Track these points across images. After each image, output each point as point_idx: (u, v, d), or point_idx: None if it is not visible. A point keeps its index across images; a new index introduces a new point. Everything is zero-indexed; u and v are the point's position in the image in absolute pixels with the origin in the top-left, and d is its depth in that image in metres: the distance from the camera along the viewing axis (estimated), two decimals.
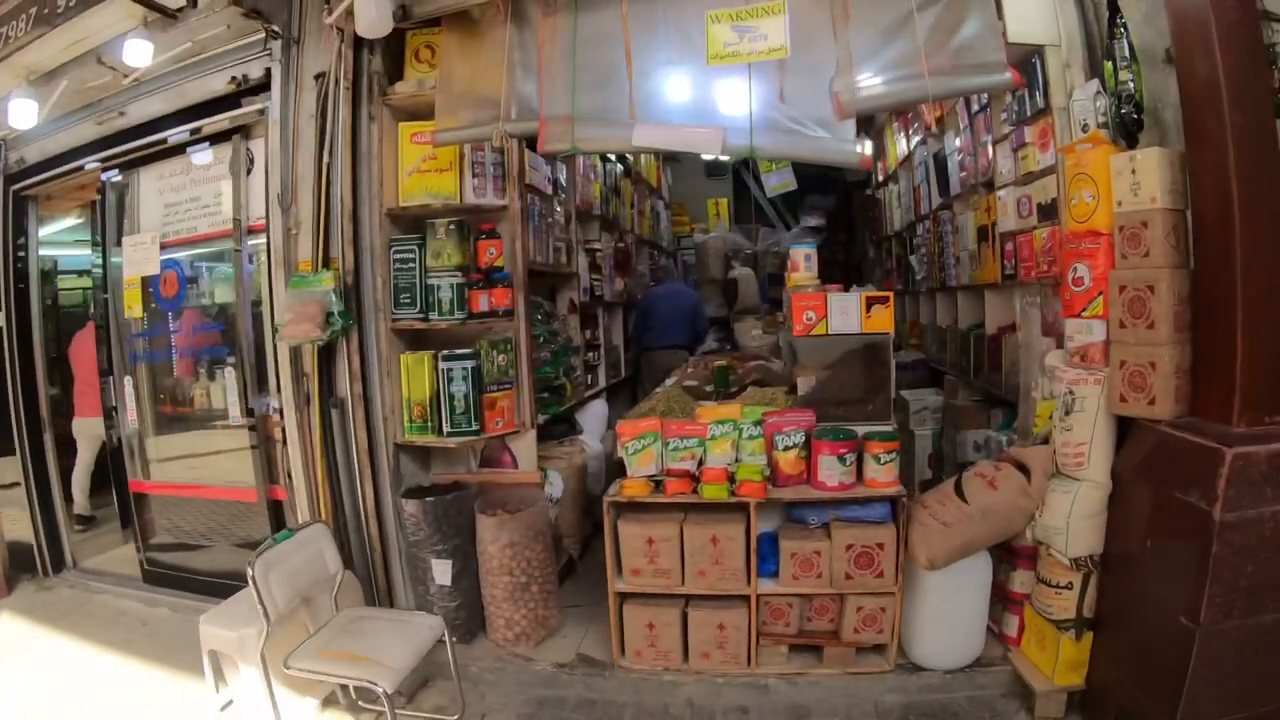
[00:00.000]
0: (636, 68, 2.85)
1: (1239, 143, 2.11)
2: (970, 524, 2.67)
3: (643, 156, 5.97)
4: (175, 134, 3.43)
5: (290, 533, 2.73)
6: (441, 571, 3.05)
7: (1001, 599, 2.86)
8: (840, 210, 8.11)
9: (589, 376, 4.02)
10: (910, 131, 4.61)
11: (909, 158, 4.82)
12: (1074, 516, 2.50)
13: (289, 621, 2.71)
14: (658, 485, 2.78)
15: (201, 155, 3.42)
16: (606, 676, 2.94)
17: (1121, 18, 2.52)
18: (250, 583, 2.42)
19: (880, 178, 6.01)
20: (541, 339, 3.28)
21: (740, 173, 7.99)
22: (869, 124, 6.22)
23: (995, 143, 3.46)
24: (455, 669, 2.81)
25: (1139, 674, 2.35)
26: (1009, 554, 2.84)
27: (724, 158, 2.77)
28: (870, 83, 2.71)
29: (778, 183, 4.52)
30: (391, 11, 2.87)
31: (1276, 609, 2.07)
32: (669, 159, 7.33)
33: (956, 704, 2.73)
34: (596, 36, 2.90)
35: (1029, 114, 3.02)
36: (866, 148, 4.82)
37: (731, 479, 2.72)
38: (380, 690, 2.39)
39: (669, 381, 3.80)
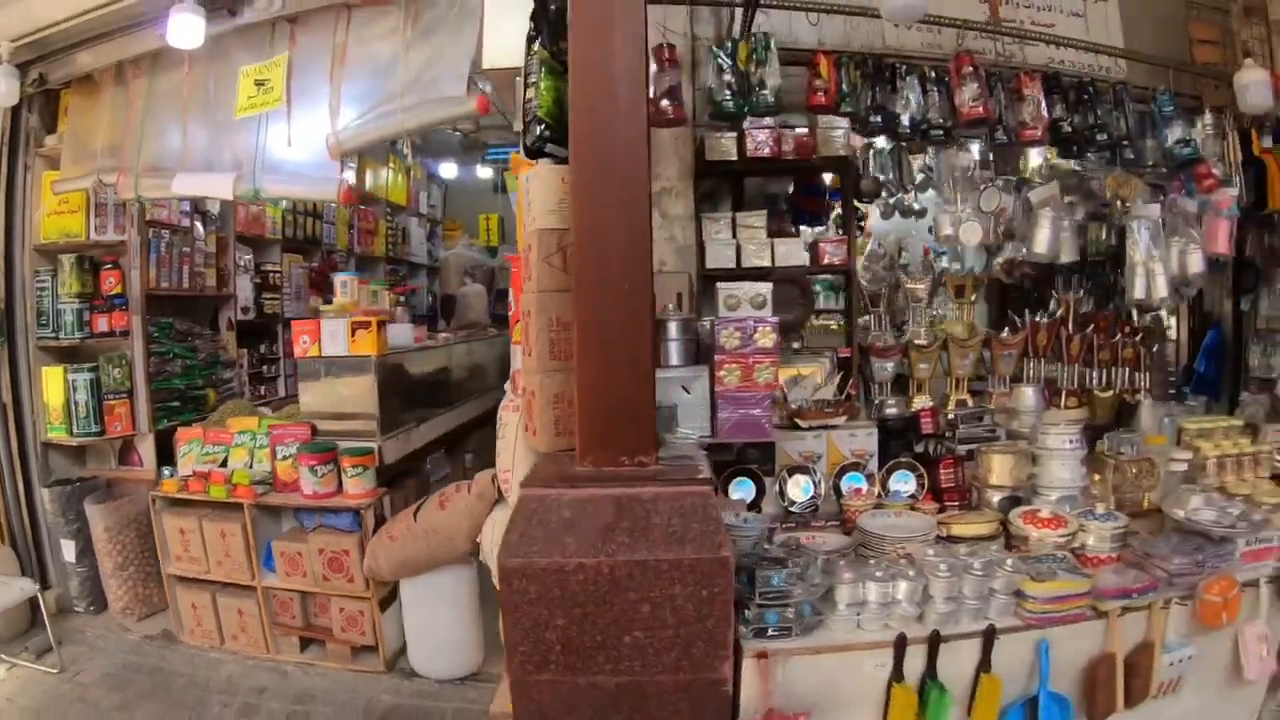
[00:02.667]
0: (190, 123, 3.26)
1: (585, 156, 1.88)
2: (414, 541, 2.86)
3: (391, 173, 6.43)
4: None
5: None
6: (68, 550, 3.61)
7: None
8: None
9: (262, 387, 4.47)
10: None
11: None
12: (495, 543, 2.53)
13: None
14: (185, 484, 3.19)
15: None
16: (175, 650, 3.38)
17: (537, 35, 2.56)
18: None
19: None
20: (171, 355, 3.76)
21: None
22: None
23: None
24: (49, 631, 3.39)
25: None
26: None
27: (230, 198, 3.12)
28: (357, 123, 2.99)
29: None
30: (22, 83, 3.44)
31: (615, 671, 1.85)
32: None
33: (441, 713, 2.93)
34: (166, 93, 3.33)
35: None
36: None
37: (229, 482, 3.08)
38: None
39: None
